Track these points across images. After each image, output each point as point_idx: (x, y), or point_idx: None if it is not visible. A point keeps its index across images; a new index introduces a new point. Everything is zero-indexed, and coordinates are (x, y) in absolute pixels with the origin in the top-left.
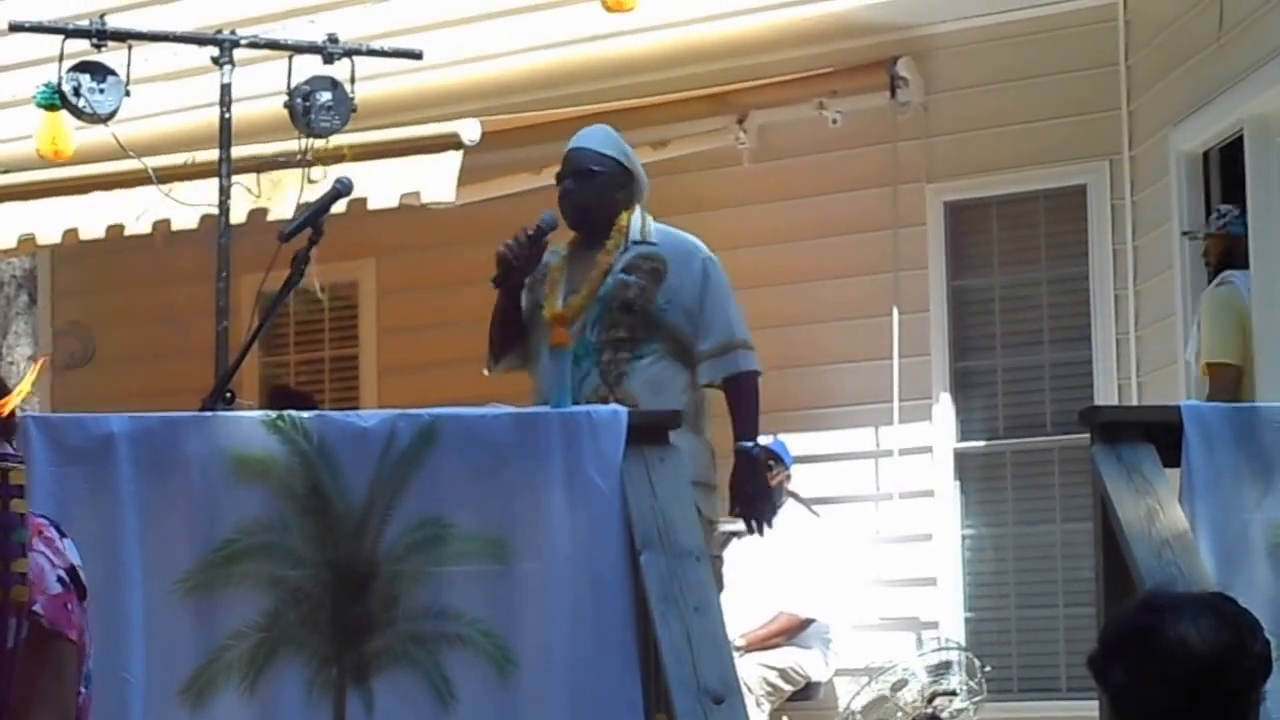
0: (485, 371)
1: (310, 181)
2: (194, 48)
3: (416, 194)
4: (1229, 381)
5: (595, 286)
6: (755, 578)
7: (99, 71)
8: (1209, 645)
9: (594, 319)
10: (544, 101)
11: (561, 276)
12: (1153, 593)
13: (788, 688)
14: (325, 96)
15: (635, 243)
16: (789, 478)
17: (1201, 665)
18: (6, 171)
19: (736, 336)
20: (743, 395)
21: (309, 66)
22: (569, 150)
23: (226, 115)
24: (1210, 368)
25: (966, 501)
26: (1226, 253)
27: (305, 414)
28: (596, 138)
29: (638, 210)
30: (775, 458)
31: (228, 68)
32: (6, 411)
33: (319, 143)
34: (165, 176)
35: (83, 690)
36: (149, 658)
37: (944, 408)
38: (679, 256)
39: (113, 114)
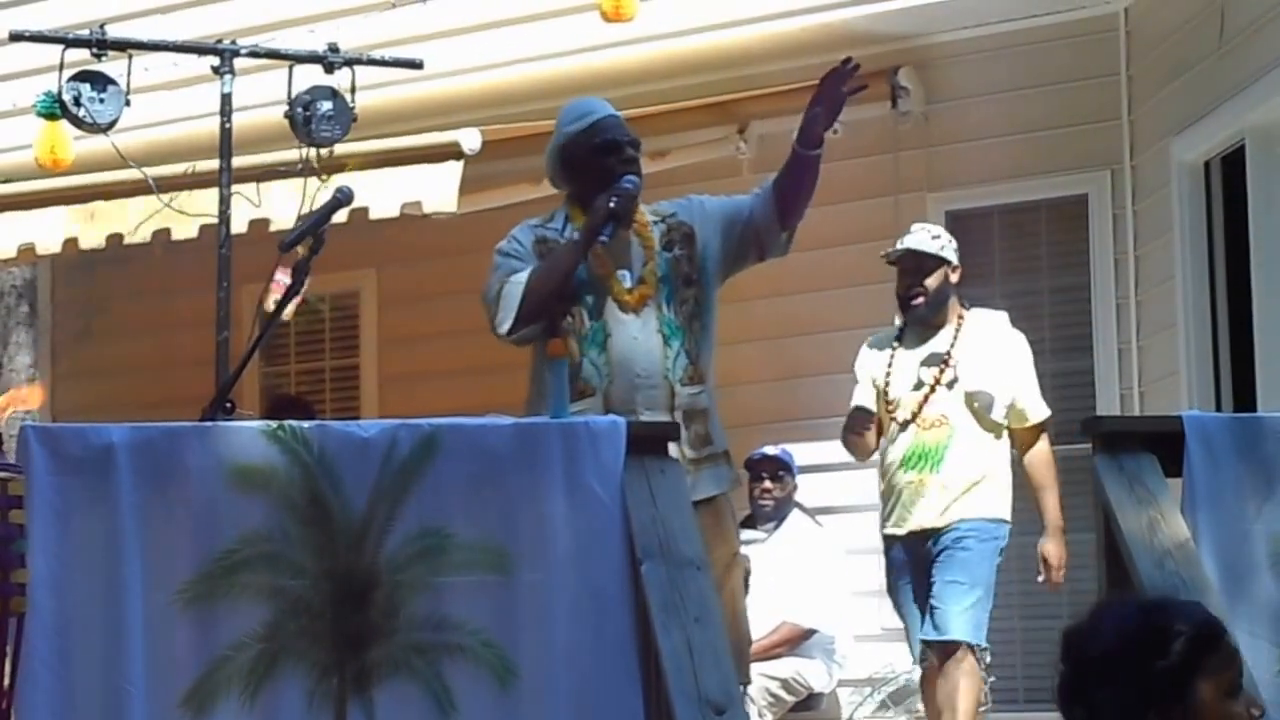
0: (502, 333)
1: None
2: (194, 57)
3: (418, 203)
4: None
5: (654, 268)
6: (758, 587)
7: (99, 81)
8: (1105, 646)
9: (666, 299)
10: (544, 111)
11: (604, 256)
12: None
13: (790, 698)
14: (326, 106)
15: (654, 221)
16: (795, 488)
17: (1094, 666)
18: (7, 181)
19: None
20: None
21: (310, 76)
22: (616, 118)
23: (227, 125)
24: (1041, 426)
25: None
26: (945, 282)
27: (306, 424)
28: (624, 122)
29: None
30: (785, 468)
31: (228, 77)
32: None
33: (322, 153)
34: (165, 186)
35: None
36: (149, 668)
37: None
38: (690, 211)
39: (113, 123)
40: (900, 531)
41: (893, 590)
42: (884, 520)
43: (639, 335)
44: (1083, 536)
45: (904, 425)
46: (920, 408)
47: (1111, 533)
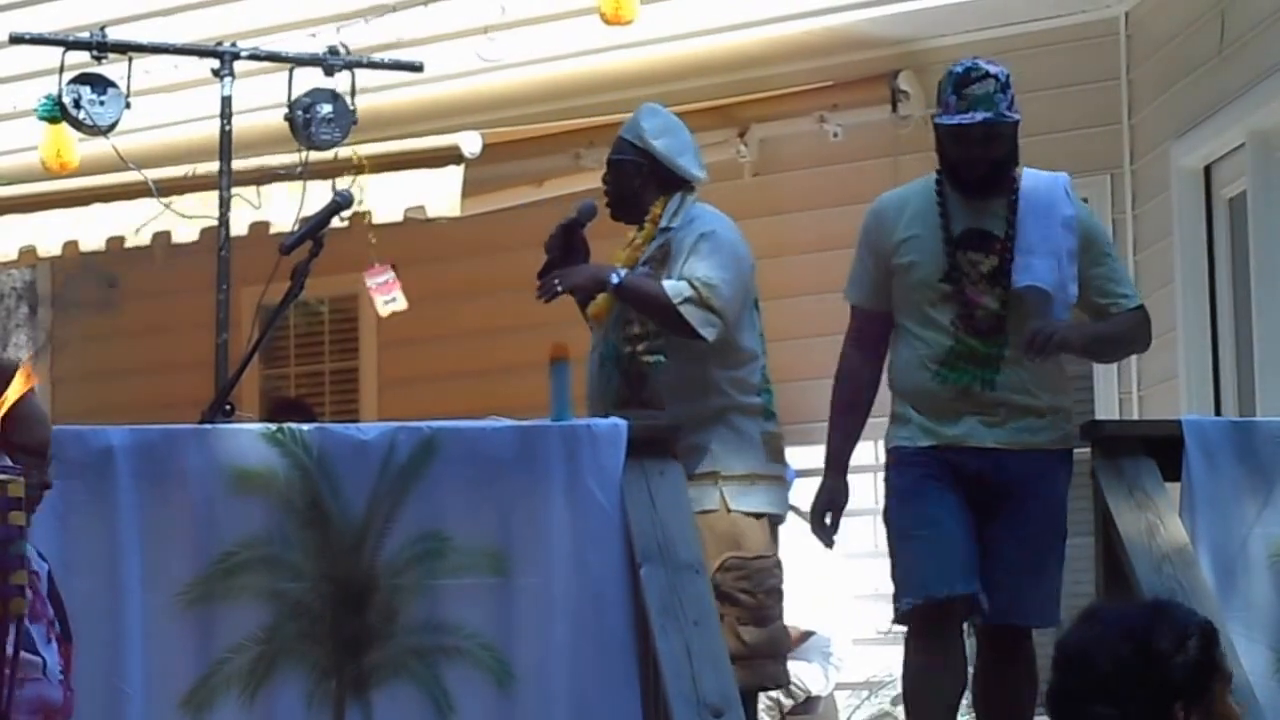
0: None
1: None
2: (194, 60)
3: (422, 208)
4: None
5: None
6: None
7: (99, 83)
8: (1118, 652)
9: (614, 319)
10: (544, 114)
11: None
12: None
13: (787, 701)
14: (326, 109)
15: (663, 230)
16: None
17: (1107, 674)
18: (7, 183)
19: (696, 277)
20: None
21: (310, 79)
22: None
23: (227, 127)
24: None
25: None
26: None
27: (305, 427)
28: (627, 123)
29: (677, 196)
30: None
31: (228, 80)
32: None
33: (324, 155)
34: (165, 189)
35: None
36: (148, 671)
37: None
38: (685, 232)
39: (113, 126)
40: (929, 443)
41: (910, 499)
42: (899, 436)
43: (594, 353)
44: (1083, 540)
45: (969, 323)
46: (1002, 305)
47: (1110, 536)
